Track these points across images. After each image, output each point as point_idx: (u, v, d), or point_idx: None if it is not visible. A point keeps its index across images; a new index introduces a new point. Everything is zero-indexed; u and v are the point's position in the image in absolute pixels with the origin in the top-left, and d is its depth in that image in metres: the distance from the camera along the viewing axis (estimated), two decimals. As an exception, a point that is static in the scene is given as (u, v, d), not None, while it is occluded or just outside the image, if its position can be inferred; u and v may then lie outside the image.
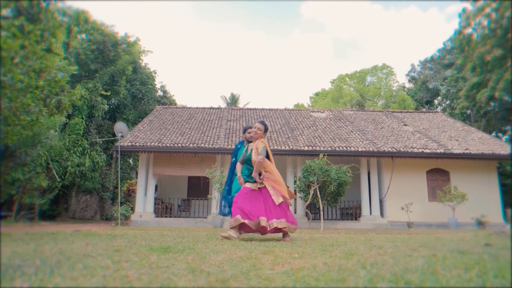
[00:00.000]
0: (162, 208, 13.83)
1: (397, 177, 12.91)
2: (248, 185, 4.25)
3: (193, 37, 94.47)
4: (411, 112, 19.02)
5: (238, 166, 4.75)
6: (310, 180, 10.63)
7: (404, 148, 12.83)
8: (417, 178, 13.26)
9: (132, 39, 17.97)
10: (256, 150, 4.28)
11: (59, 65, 5.19)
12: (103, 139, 16.60)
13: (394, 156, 12.62)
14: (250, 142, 4.69)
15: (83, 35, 15.75)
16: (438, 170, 13.40)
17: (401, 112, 18.74)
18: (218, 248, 2.56)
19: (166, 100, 25.26)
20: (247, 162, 4.46)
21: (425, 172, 13.37)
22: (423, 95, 30.62)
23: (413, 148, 12.89)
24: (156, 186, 14.48)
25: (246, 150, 4.64)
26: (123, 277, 1.36)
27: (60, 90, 8.41)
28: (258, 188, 4.19)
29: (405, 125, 16.03)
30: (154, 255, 2.11)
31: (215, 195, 12.15)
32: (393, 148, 12.80)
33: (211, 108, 18.53)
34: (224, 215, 5.06)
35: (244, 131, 5.00)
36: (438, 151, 12.68)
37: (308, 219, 11.77)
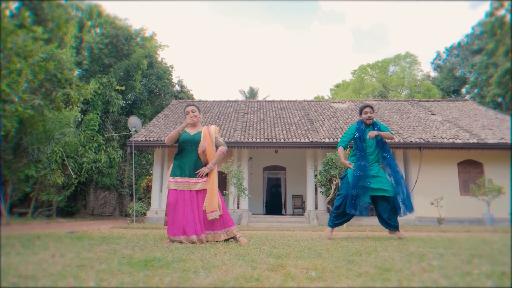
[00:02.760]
0: (179, 204, 13.46)
1: (425, 170, 12.05)
2: None
3: (211, 31, 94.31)
4: (439, 100, 17.92)
5: (342, 150, 4.29)
6: (332, 174, 10.06)
7: (433, 139, 11.97)
8: (447, 170, 12.36)
9: (147, 33, 17.70)
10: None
11: (51, 50, 4.77)
12: (118, 134, 16.41)
13: (422, 148, 11.78)
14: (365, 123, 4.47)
15: (97, 30, 15.53)
16: (471, 161, 12.46)
17: (427, 101, 17.68)
18: (215, 261, 2.03)
19: (183, 95, 24.93)
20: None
21: (456, 164, 12.46)
22: (450, 84, 29.16)
23: (442, 138, 12.01)
24: (172, 182, 14.11)
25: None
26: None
27: (68, 84, 8.04)
28: None
29: (433, 114, 15.06)
30: (124, 274, 1.60)
31: (232, 190, 11.68)
32: (421, 139, 11.96)
33: (227, 101, 18.03)
34: (361, 214, 4.45)
35: (360, 111, 4.61)
36: (471, 141, 11.75)
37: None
